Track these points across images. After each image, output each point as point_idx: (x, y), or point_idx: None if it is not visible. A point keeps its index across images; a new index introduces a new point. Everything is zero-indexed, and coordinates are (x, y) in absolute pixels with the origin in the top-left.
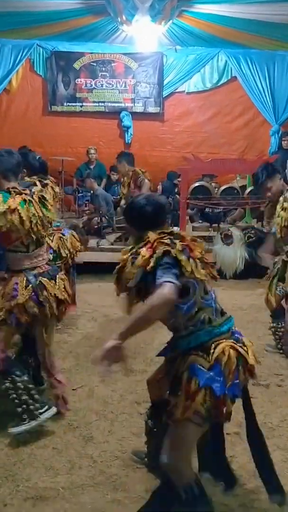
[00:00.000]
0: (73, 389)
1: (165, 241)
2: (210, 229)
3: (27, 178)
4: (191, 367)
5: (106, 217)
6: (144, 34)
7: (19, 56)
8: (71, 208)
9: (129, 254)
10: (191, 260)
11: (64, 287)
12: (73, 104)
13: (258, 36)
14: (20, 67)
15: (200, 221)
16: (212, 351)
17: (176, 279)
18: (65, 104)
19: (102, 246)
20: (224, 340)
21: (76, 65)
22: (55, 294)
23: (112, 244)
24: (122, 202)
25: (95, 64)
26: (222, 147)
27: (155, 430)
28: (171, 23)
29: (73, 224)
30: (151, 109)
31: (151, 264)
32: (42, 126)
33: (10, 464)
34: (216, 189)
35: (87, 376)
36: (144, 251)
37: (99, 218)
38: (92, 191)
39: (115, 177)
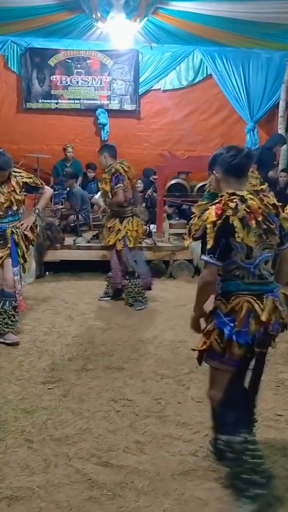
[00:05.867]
0: (48, 388)
1: (232, 205)
2: (187, 226)
3: None
4: (214, 310)
5: (83, 214)
6: (119, 31)
7: None
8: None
9: (201, 208)
10: (246, 227)
11: None
12: (49, 101)
13: (233, 33)
14: None
15: (177, 218)
16: (231, 301)
17: (218, 256)
18: (40, 101)
19: (78, 244)
20: (246, 295)
21: (51, 62)
22: None
23: (88, 242)
24: (97, 197)
25: (70, 61)
26: (199, 145)
27: None
28: (146, 20)
29: (49, 221)
30: (127, 106)
31: (211, 241)
32: (17, 123)
33: None
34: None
35: (63, 375)
36: (213, 211)
37: (75, 216)
38: (68, 189)
39: (92, 175)
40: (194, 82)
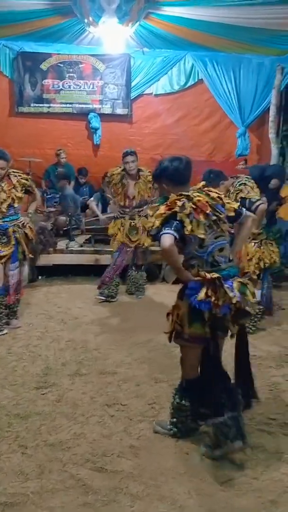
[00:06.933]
0: (42, 393)
1: (179, 203)
2: None
3: None
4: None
5: (74, 218)
6: (111, 35)
7: None
8: (39, 209)
9: (154, 210)
10: (194, 221)
11: None
12: (41, 105)
13: (225, 39)
14: None
15: None
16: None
17: (174, 229)
18: (32, 105)
19: (71, 248)
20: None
21: (43, 66)
22: None
23: (81, 246)
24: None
25: (62, 65)
26: (191, 150)
27: None
28: (138, 25)
29: (42, 226)
30: (120, 110)
31: (157, 223)
32: (9, 127)
33: None
34: None
35: (57, 379)
36: (162, 207)
37: (67, 219)
38: (61, 192)
39: (83, 181)
40: (186, 86)
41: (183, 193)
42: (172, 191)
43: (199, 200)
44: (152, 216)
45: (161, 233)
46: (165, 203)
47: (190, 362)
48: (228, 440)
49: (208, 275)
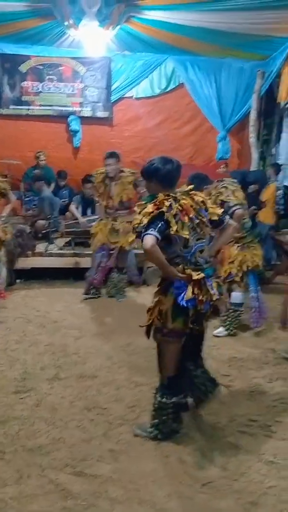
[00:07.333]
0: (20, 398)
1: (167, 203)
2: None
3: None
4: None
5: (52, 220)
6: (91, 38)
7: None
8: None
9: (142, 207)
10: (179, 222)
11: None
12: (20, 107)
13: (205, 43)
14: None
15: None
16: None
17: (157, 231)
18: (11, 107)
19: (50, 251)
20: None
21: (23, 68)
22: None
23: (61, 249)
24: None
25: (42, 67)
26: (171, 153)
27: None
28: (119, 28)
29: (20, 228)
30: (100, 113)
31: (145, 221)
32: None
33: None
34: None
35: (35, 384)
36: (150, 206)
37: (47, 222)
38: (39, 194)
39: (62, 183)
40: (167, 90)
41: (171, 194)
42: (160, 191)
43: (184, 203)
44: (139, 213)
45: (143, 234)
46: (153, 201)
47: (170, 358)
48: (208, 390)
49: (195, 275)
